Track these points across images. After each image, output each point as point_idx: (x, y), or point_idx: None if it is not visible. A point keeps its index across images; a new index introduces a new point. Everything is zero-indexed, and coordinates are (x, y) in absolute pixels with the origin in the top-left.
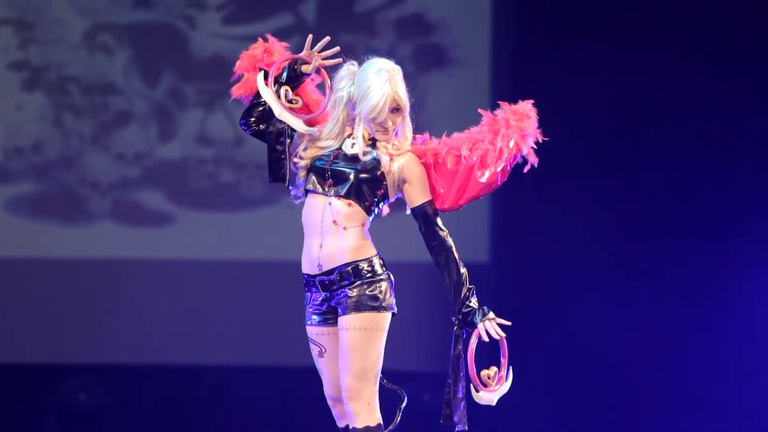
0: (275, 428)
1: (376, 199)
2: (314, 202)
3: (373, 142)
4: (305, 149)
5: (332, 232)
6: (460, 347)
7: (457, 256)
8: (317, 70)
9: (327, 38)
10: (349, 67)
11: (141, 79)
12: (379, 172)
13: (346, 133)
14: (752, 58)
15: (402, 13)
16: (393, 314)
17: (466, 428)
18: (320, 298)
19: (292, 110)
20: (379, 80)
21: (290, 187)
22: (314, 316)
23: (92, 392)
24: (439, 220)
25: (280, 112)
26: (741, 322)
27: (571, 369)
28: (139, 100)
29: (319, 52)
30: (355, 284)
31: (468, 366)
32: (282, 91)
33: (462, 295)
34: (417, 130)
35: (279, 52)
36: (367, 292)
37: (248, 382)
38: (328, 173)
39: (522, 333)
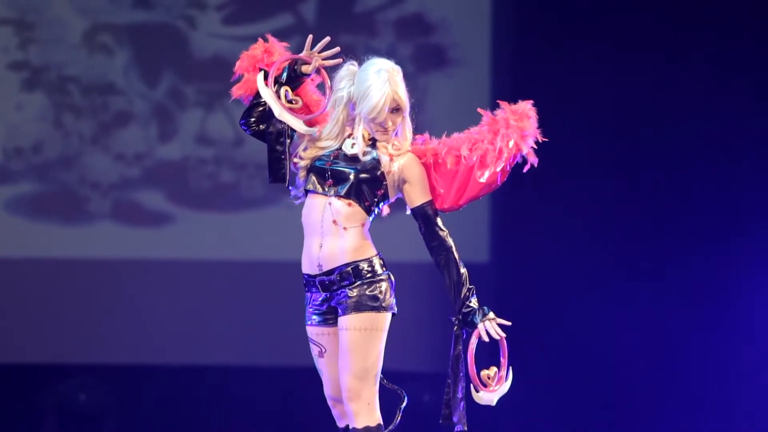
0: (275, 428)
1: (376, 199)
2: (314, 202)
3: (373, 143)
4: (305, 149)
5: (332, 232)
6: (460, 347)
7: (457, 256)
8: (317, 71)
9: (327, 38)
10: (349, 67)
11: (141, 79)
12: (379, 172)
13: (346, 134)
14: (752, 58)
15: (402, 13)
16: (393, 314)
17: (466, 428)
18: (320, 299)
19: (292, 110)
20: (379, 80)
21: (290, 188)
22: (314, 317)
23: (92, 392)
24: (439, 221)
25: (280, 112)
26: (741, 322)
27: (571, 369)
28: (139, 100)
29: (319, 52)
30: (355, 284)
31: (468, 366)
32: (282, 91)
33: (462, 295)
34: (417, 130)
35: (279, 52)
36: (367, 293)
37: (248, 382)
38: (328, 173)
39: (522, 333)
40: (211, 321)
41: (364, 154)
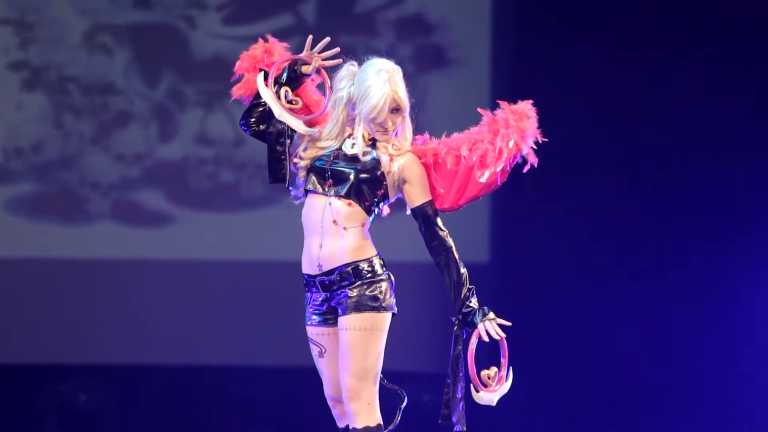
0: (275, 428)
1: (376, 199)
2: (314, 202)
3: (373, 143)
4: (305, 149)
5: (332, 232)
6: (460, 347)
7: (457, 256)
8: (317, 71)
9: (327, 39)
10: (349, 67)
11: (141, 79)
12: (379, 172)
13: (346, 134)
14: (752, 58)
15: (402, 14)
16: (393, 314)
17: (465, 429)
18: (320, 299)
19: (292, 111)
20: (379, 80)
21: (290, 188)
22: (314, 317)
23: (92, 392)
24: (439, 221)
25: (280, 112)
26: (741, 322)
27: (571, 369)
28: (139, 100)
29: (320, 52)
30: (355, 284)
31: (468, 366)
32: (282, 91)
33: (462, 296)
34: (417, 130)
35: (279, 52)
36: (367, 293)
37: (248, 382)
38: (328, 173)
39: (522, 333)
40: (211, 321)
41: (364, 154)
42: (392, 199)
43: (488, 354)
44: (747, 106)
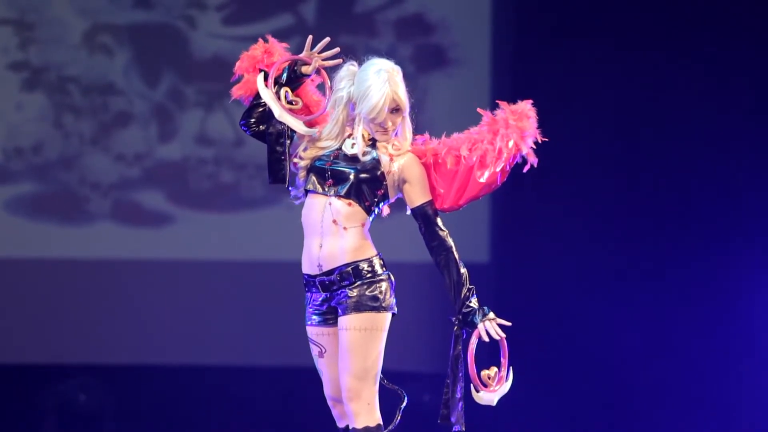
0: (275, 428)
1: (376, 199)
2: (314, 202)
3: (373, 143)
4: (305, 150)
5: (332, 232)
6: (460, 347)
7: (457, 256)
8: (317, 71)
9: (327, 39)
10: (349, 67)
11: (141, 79)
12: (379, 172)
13: (346, 134)
14: (752, 58)
15: (402, 14)
16: (393, 314)
17: (464, 429)
18: (320, 299)
19: (292, 111)
20: (379, 80)
21: (290, 188)
22: (314, 317)
23: (92, 392)
24: (439, 221)
25: (280, 113)
26: (741, 323)
27: (571, 369)
28: (139, 100)
29: (319, 52)
30: (355, 284)
31: (468, 366)
32: (282, 92)
33: (462, 296)
34: (417, 130)
35: (279, 52)
36: (367, 293)
37: (248, 382)
38: (328, 173)
39: (522, 333)
40: (211, 321)
41: (364, 154)
42: (392, 199)
43: (488, 354)
44: (747, 106)
